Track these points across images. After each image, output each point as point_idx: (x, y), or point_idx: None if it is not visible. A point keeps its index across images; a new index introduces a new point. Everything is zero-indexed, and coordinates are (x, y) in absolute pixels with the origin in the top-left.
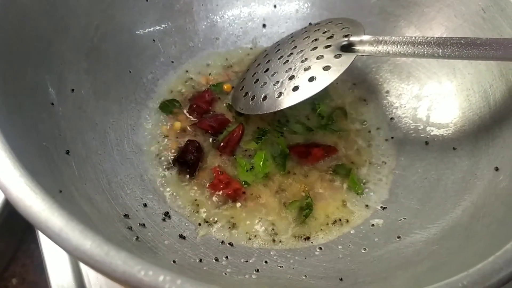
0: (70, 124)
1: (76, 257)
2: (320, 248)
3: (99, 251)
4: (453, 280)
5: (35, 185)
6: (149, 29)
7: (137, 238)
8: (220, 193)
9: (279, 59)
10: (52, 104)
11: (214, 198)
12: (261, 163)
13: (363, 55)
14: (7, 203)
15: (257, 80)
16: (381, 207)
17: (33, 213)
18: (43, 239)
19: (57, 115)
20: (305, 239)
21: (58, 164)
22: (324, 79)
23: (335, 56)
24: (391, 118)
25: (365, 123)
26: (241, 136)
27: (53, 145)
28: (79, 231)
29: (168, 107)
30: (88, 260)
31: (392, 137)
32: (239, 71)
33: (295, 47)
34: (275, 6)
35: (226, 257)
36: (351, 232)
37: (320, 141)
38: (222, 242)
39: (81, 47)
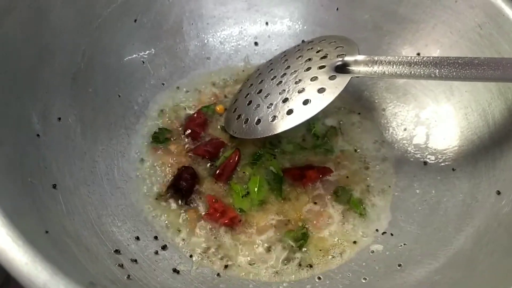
0: (56, 156)
1: None
2: (319, 278)
3: None
4: None
5: (17, 235)
6: (138, 51)
7: (129, 276)
8: (216, 222)
9: (272, 79)
10: (38, 135)
11: (209, 228)
12: (256, 189)
13: (358, 76)
14: None
15: (250, 101)
16: (381, 231)
17: (16, 267)
18: None
19: (43, 147)
20: (303, 268)
21: (45, 200)
22: (319, 102)
23: (330, 78)
24: (388, 138)
25: (361, 142)
26: (238, 162)
27: (38, 180)
28: (64, 286)
29: (159, 137)
30: None
31: (389, 157)
32: (232, 91)
33: (288, 67)
34: (266, 24)
35: None
36: (351, 260)
37: (314, 162)
38: (218, 274)
39: (67, 73)
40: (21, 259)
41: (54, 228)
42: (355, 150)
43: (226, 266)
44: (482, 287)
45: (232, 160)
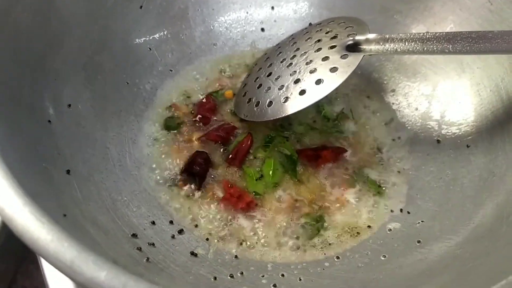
0: (69, 142)
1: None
2: (338, 258)
3: (116, 283)
4: None
5: (40, 213)
6: (145, 38)
7: (148, 259)
8: (233, 207)
9: (281, 62)
10: (49, 121)
11: (225, 212)
12: (271, 171)
13: (370, 55)
14: (5, 225)
15: (260, 85)
16: (397, 210)
17: (42, 246)
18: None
19: (55, 133)
20: (321, 249)
21: (60, 186)
22: (332, 81)
23: (342, 57)
24: (399, 118)
25: (372, 124)
26: (250, 146)
27: (53, 166)
28: (92, 262)
29: (171, 124)
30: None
31: (401, 137)
32: (240, 76)
33: (298, 49)
34: (272, 8)
35: (241, 273)
36: (368, 238)
37: (327, 143)
38: (236, 256)
39: (77, 60)
40: (46, 237)
41: (72, 212)
42: (367, 132)
43: (243, 248)
44: (506, 258)
45: (244, 145)
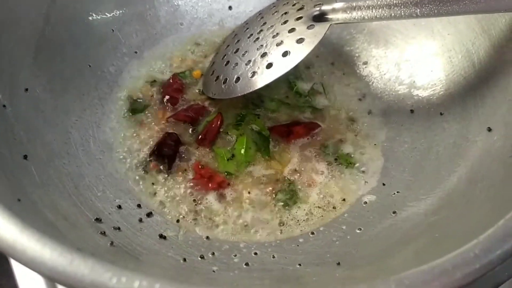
0: (26, 127)
1: (36, 270)
2: (313, 233)
3: (62, 261)
4: (463, 250)
5: None
6: (106, 17)
7: (112, 243)
8: (203, 188)
9: (248, 37)
10: (4, 106)
11: (196, 193)
12: (243, 150)
13: (337, 23)
14: None
15: (228, 62)
16: (372, 182)
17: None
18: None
19: (11, 118)
20: (295, 225)
21: (15, 171)
22: (299, 53)
23: (308, 27)
24: (372, 90)
25: (345, 97)
26: (220, 126)
27: (7, 151)
28: (36, 240)
29: (137, 107)
30: (49, 273)
31: (375, 109)
32: (208, 55)
33: (265, 23)
34: None
35: (213, 254)
36: (344, 212)
37: (300, 119)
38: (207, 237)
39: (32, 41)
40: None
41: (28, 197)
42: (340, 106)
43: (214, 229)
44: (481, 220)
45: (214, 125)
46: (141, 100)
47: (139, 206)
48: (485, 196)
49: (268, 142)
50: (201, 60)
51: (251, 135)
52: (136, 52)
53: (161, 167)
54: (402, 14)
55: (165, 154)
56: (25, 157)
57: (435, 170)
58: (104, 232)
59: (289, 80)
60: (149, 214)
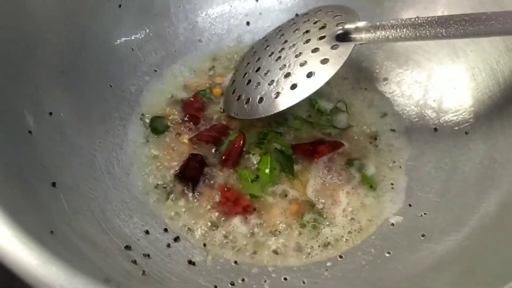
0: (52, 152)
1: None
2: (341, 257)
3: None
4: None
5: (25, 236)
6: (126, 38)
7: (143, 272)
8: (229, 211)
9: (270, 56)
10: (30, 132)
11: (222, 217)
12: (267, 170)
13: (361, 44)
14: None
15: (250, 81)
16: (398, 203)
17: (28, 271)
18: None
19: (37, 144)
20: (323, 249)
21: (45, 200)
22: (324, 74)
23: (332, 47)
24: (394, 107)
25: (366, 115)
26: (243, 146)
27: (36, 179)
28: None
29: (158, 127)
30: None
31: (397, 127)
32: (227, 72)
33: (286, 41)
34: (257, 0)
35: (243, 280)
36: (371, 235)
37: (323, 137)
38: (235, 262)
39: (55, 64)
40: (33, 261)
41: (59, 227)
42: (362, 124)
43: (242, 254)
44: None
45: (236, 145)
46: (162, 120)
47: (165, 230)
48: None
49: (292, 162)
50: (221, 77)
51: (274, 154)
52: (155, 71)
53: (186, 189)
54: (428, 34)
55: (189, 176)
56: (54, 184)
57: (462, 192)
58: (135, 261)
59: (310, 97)
60: (176, 239)
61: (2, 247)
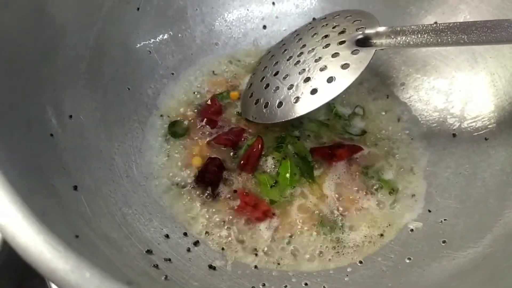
0: (73, 155)
1: None
2: (361, 262)
3: None
4: None
5: (56, 241)
6: (144, 41)
7: (166, 277)
8: (248, 216)
9: (288, 60)
10: (52, 135)
11: (242, 221)
12: (288, 175)
13: (382, 49)
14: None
15: (268, 84)
16: (417, 208)
17: (61, 277)
18: None
19: (59, 147)
20: (342, 254)
21: (68, 204)
22: (345, 79)
23: (353, 52)
24: (412, 112)
25: (384, 120)
26: (261, 150)
27: (59, 182)
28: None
29: (177, 130)
30: None
31: (415, 132)
32: (244, 76)
33: (304, 45)
34: (273, 3)
35: (263, 285)
36: (391, 240)
37: (341, 141)
38: (255, 267)
39: (75, 68)
40: (65, 267)
41: (83, 231)
42: (379, 129)
43: (262, 258)
44: None
45: (255, 149)
46: (180, 123)
47: (185, 234)
48: None
49: (311, 167)
50: (238, 80)
51: (294, 159)
52: (172, 74)
53: (205, 193)
54: (449, 40)
55: (209, 180)
56: (75, 187)
57: (483, 198)
58: (157, 265)
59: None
60: (196, 243)
61: (35, 253)
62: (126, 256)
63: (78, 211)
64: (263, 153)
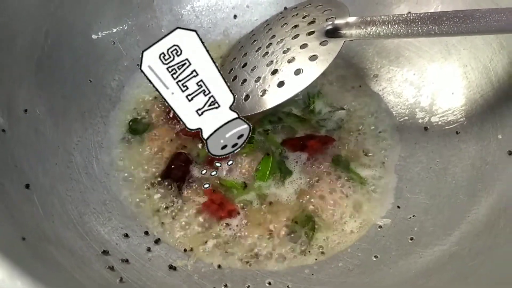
0: (27, 152)
1: None
2: (327, 261)
3: None
4: None
5: None
6: (107, 30)
7: (121, 279)
8: (214, 214)
9: (257, 51)
10: (3, 131)
11: (206, 219)
12: (267, 172)
13: (351, 40)
14: None
15: (235, 77)
16: (387, 204)
17: None
18: None
19: (11, 143)
20: (308, 253)
21: (18, 203)
22: (312, 71)
23: (321, 43)
24: (383, 105)
25: (356, 112)
26: None
27: (9, 181)
28: None
29: (138, 128)
30: None
31: (387, 126)
32: None
33: (274, 36)
34: None
35: (225, 285)
36: (358, 238)
37: (314, 132)
38: (219, 266)
39: (30, 58)
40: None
41: (32, 233)
42: (352, 121)
43: (226, 258)
44: (509, 255)
45: None
46: (145, 116)
47: (146, 233)
48: (510, 227)
49: (290, 171)
50: None
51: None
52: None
53: (171, 189)
54: (420, 31)
55: (175, 175)
56: (27, 186)
57: (453, 194)
58: (113, 267)
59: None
60: (157, 241)
61: None
62: (79, 258)
63: (28, 211)
64: None
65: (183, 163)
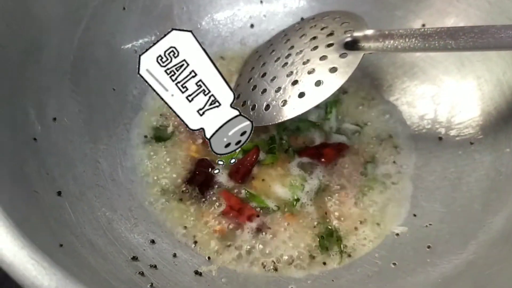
0: (57, 160)
1: None
2: (347, 267)
3: None
4: None
5: (40, 256)
6: (129, 40)
7: (152, 284)
8: (234, 220)
9: (276, 61)
10: (35, 139)
11: (228, 225)
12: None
13: (370, 53)
14: None
15: (255, 86)
16: (403, 212)
17: None
18: None
19: (42, 152)
20: (328, 259)
21: (52, 211)
22: (333, 83)
23: (341, 56)
24: (398, 115)
25: (370, 122)
26: (255, 162)
27: (42, 189)
28: None
29: (162, 136)
30: None
31: (401, 135)
32: (230, 76)
33: (292, 47)
34: (261, 2)
35: None
36: (376, 245)
37: (327, 141)
38: (241, 273)
39: (58, 68)
40: (50, 284)
41: (67, 240)
42: (366, 131)
43: (248, 264)
44: None
45: (249, 158)
46: (167, 124)
47: (171, 239)
48: None
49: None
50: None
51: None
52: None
53: (193, 195)
54: (437, 45)
55: (198, 181)
56: (59, 193)
57: (467, 203)
58: (142, 273)
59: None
60: (181, 247)
61: (17, 268)
62: (111, 264)
63: (62, 218)
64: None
65: (206, 169)
